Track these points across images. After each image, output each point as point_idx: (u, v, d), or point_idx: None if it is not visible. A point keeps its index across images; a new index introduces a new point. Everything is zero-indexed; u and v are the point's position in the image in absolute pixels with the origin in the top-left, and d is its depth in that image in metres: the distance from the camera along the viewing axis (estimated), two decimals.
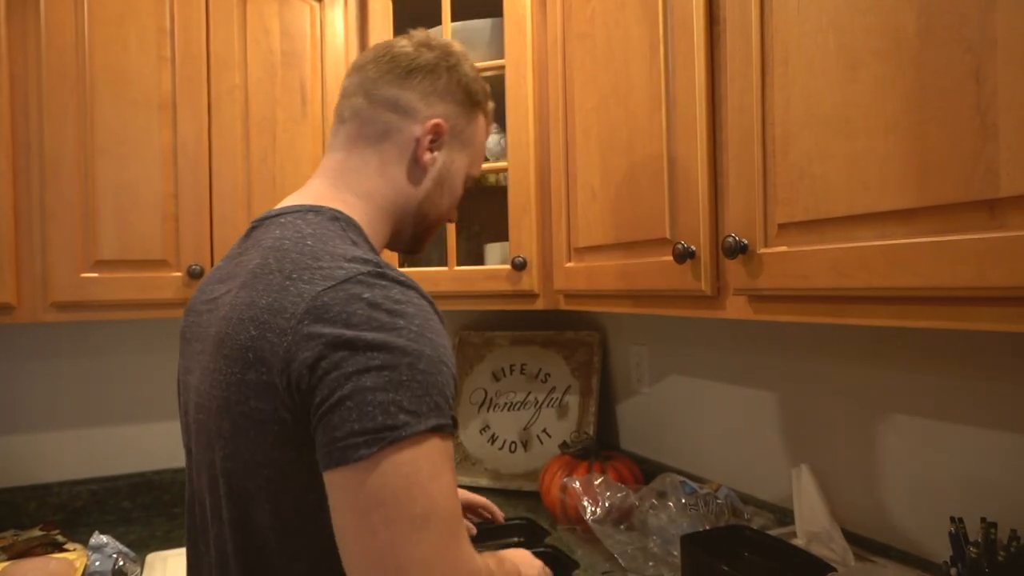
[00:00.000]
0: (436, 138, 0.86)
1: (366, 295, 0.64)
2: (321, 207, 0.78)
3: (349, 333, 0.62)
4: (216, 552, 0.74)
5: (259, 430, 0.66)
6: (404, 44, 0.87)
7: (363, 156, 0.84)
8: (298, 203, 0.80)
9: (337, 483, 0.61)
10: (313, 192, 0.82)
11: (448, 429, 0.64)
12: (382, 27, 1.63)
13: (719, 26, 1.02)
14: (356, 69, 0.88)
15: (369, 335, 0.62)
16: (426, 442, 0.61)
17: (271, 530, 0.69)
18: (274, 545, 0.69)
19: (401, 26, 1.67)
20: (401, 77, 0.85)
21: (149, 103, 1.47)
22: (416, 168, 0.86)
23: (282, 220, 0.76)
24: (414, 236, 0.91)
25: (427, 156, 0.85)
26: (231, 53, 1.53)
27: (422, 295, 0.69)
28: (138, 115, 1.45)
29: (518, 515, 1.59)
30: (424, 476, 0.60)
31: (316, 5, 1.62)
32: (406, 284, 0.68)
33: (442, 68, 0.86)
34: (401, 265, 1.64)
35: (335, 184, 0.83)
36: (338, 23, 1.64)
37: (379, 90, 0.85)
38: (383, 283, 0.66)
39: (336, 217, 0.77)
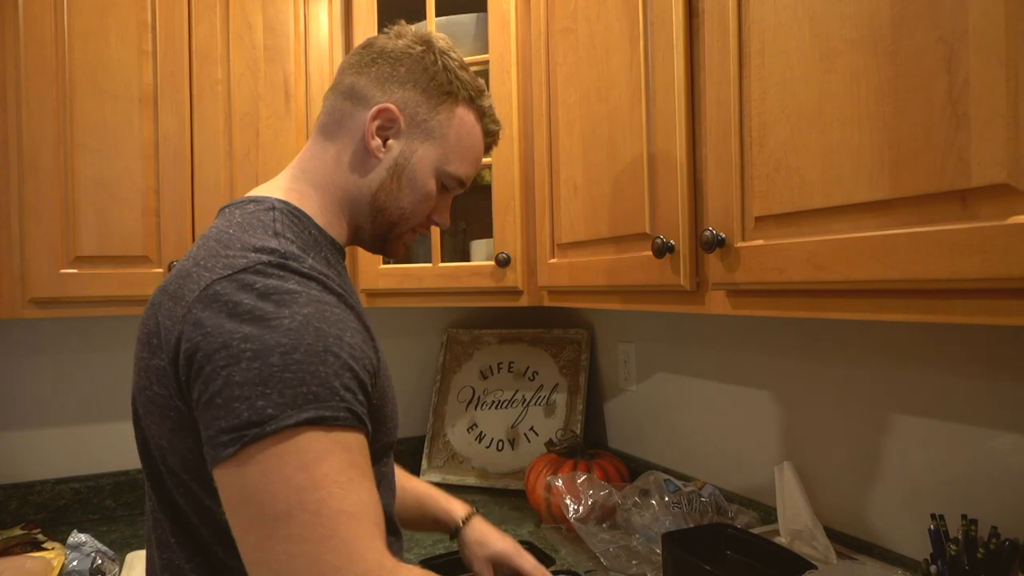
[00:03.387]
0: (387, 124, 0.82)
1: (258, 284, 0.63)
2: (265, 197, 0.77)
3: (228, 324, 0.60)
4: (157, 547, 0.73)
5: (161, 415, 0.66)
6: (383, 35, 0.87)
7: (322, 146, 0.84)
8: (250, 195, 0.80)
9: (217, 480, 0.60)
10: (272, 184, 0.83)
11: (332, 421, 0.60)
12: (367, 22, 1.62)
13: (698, 19, 1.01)
14: (358, 64, 0.87)
15: (247, 327, 0.60)
16: (297, 436, 0.58)
17: (193, 514, 0.69)
18: (203, 529, 0.69)
19: (385, 21, 1.66)
20: (364, 65, 0.84)
21: (130, 97, 1.45)
22: (366, 156, 0.82)
23: (226, 211, 0.77)
24: (374, 234, 0.87)
25: (373, 143, 0.81)
26: (213, 47, 1.52)
27: (327, 288, 0.67)
28: (119, 109, 1.44)
29: (513, 536, 1.58)
30: (289, 471, 0.57)
31: (300, 0, 1.61)
32: (307, 276, 0.66)
33: (407, 55, 0.83)
34: (385, 263, 1.63)
35: (294, 175, 0.84)
36: (322, 18, 1.62)
37: (342, 79, 0.85)
38: (280, 273, 0.65)
39: (273, 207, 0.75)
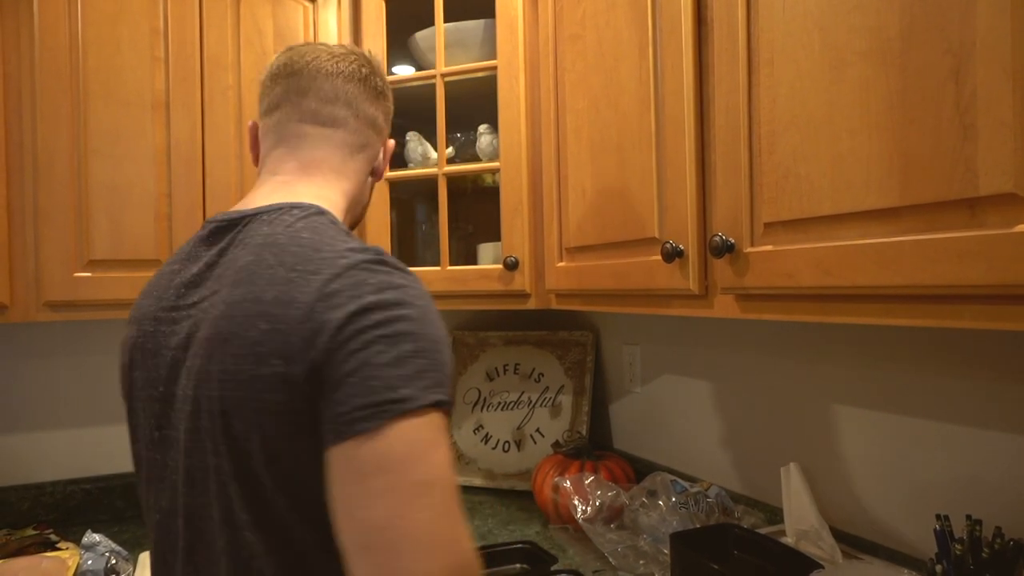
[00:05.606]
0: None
1: (371, 280, 0.67)
2: (301, 203, 0.78)
3: (347, 318, 0.64)
4: (232, 561, 0.70)
5: (275, 423, 0.67)
6: (360, 63, 0.91)
7: (346, 163, 0.89)
8: (279, 201, 0.79)
9: (341, 456, 0.63)
10: (292, 190, 0.83)
11: (447, 406, 0.66)
12: (376, 28, 1.63)
13: (707, 27, 1.02)
14: (328, 74, 0.88)
15: (377, 315, 0.65)
16: (430, 415, 0.63)
17: (298, 525, 0.69)
18: (308, 540, 0.69)
19: (394, 27, 1.68)
20: (375, 99, 0.92)
21: (142, 103, 1.47)
22: (372, 178, 0.96)
23: (265, 217, 0.76)
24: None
25: (386, 171, 0.97)
26: (224, 54, 1.54)
27: (419, 282, 0.72)
28: (131, 115, 1.46)
29: (520, 536, 1.60)
30: (426, 446, 0.62)
31: (309, 6, 1.63)
32: (405, 271, 0.71)
33: (390, 95, 0.97)
34: None
35: (318, 181, 0.85)
36: (331, 24, 1.64)
37: (363, 108, 0.91)
38: (385, 269, 0.69)
39: (321, 212, 0.78)
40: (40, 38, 1.39)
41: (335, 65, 0.88)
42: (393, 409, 0.62)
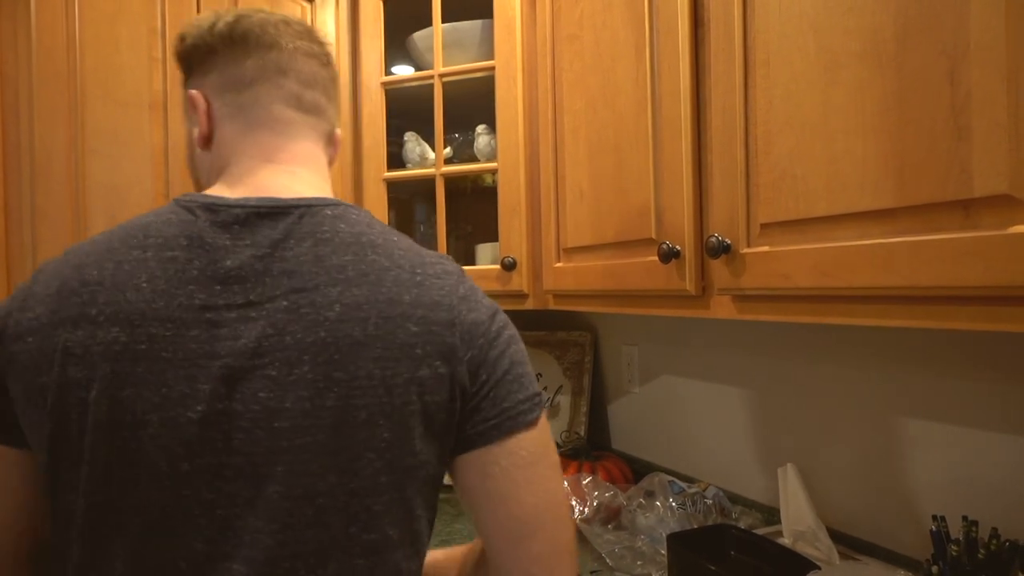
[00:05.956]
0: None
1: (470, 283, 0.73)
2: (339, 200, 0.74)
3: (489, 319, 0.70)
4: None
5: (428, 431, 0.66)
6: (325, 46, 0.81)
7: (323, 157, 0.80)
8: (317, 194, 0.72)
9: (505, 449, 0.67)
10: (319, 186, 0.76)
11: None
12: (373, 29, 1.63)
13: (704, 28, 1.02)
14: (306, 55, 0.77)
15: (501, 316, 0.72)
16: None
17: (426, 530, 0.71)
18: (425, 541, 0.71)
19: (392, 27, 1.68)
20: (336, 86, 0.83)
21: (140, 103, 1.47)
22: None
23: (329, 212, 0.70)
24: None
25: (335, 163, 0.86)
26: None
27: None
28: (129, 115, 1.46)
29: None
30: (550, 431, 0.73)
31: (307, 6, 1.63)
32: None
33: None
34: None
35: (320, 174, 0.78)
36: (329, 24, 1.64)
37: (333, 96, 0.82)
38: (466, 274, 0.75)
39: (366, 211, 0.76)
40: (37, 38, 1.39)
41: (308, 46, 0.78)
42: (540, 401, 0.70)
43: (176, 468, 0.61)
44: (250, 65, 0.74)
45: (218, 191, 0.71)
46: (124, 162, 1.45)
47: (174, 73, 1.49)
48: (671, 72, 1.07)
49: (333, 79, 0.81)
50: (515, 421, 0.67)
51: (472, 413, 0.67)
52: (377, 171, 1.64)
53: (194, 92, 0.75)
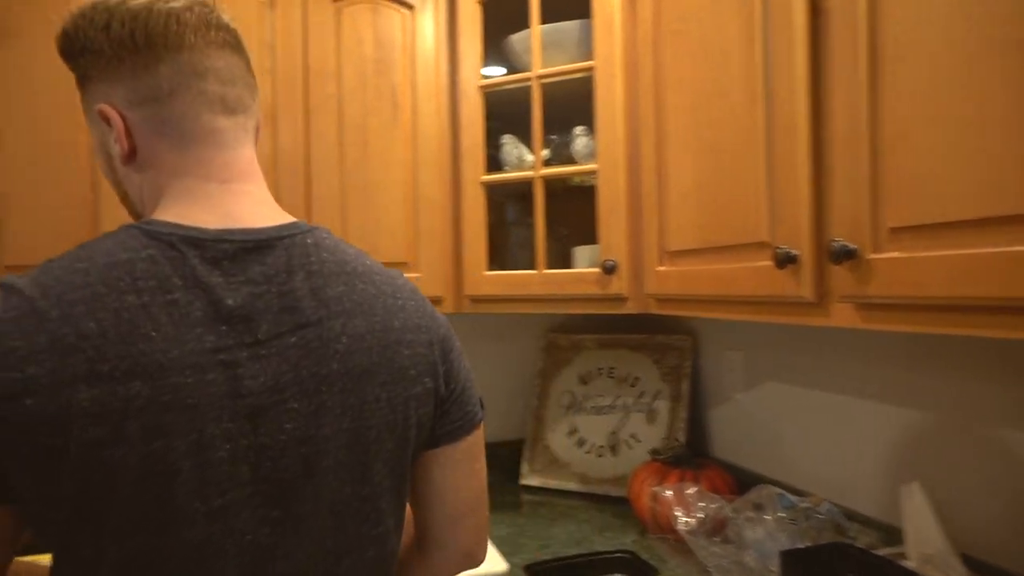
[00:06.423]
0: None
1: (423, 296, 0.80)
2: (302, 223, 0.73)
3: (449, 332, 0.80)
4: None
5: (417, 438, 0.75)
6: (226, 22, 0.72)
7: (255, 151, 0.76)
8: (284, 221, 0.71)
9: (461, 447, 0.79)
10: (272, 204, 0.74)
11: None
12: (472, 32, 1.64)
13: (822, 17, 0.96)
14: (218, 46, 0.70)
15: (450, 328, 0.81)
16: None
17: (395, 525, 0.78)
18: (394, 538, 0.78)
19: (490, 30, 1.68)
20: (250, 72, 0.75)
21: None
22: None
23: (310, 240, 0.71)
24: None
25: None
26: (327, 63, 1.58)
27: None
28: None
29: (617, 544, 1.57)
30: None
31: (407, 13, 1.65)
32: None
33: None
34: (489, 270, 1.65)
35: (265, 188, 0.75)
36: (428, 30, 1.66)
37: (252, 84, 0.75)
38: None
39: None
40: None
41: (216, 35, 0.70)
42: (481, 404, 0.83)
43: (209, 505, 0.62)
44: (164, 72, 0.68)
45: (178, 218, 0.66)
46: None
47: (282, 84, 1.54)
48: (785, 66, 1.01)
49: (248, 64, 0.74)
50: (471, 423, 0.80)
51: (441, 416, 0.77)
52: (475, 174, 1.65)
53: (106, 108, 0.68)
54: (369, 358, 0.69)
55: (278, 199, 1.51)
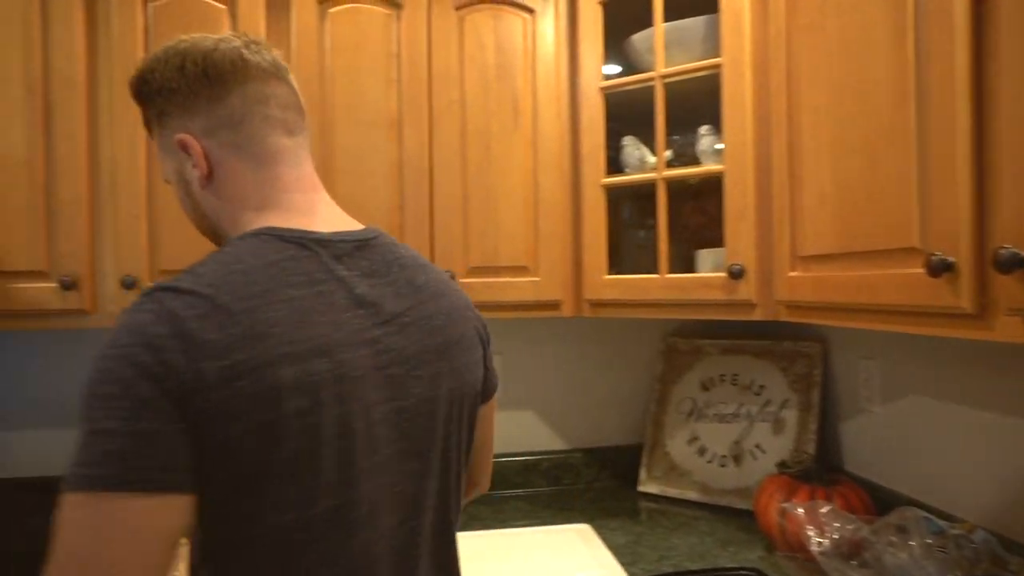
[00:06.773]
0: None
1: None
2: (373, 227, 0.87)
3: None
4: (453, 531, 0.88)
5: (480, 395, 0.90)
6: (277, 57, 0.84)
7: None
8: (360, 226, 0.84)
9: (492, 403, 0.97)
10: (340, 210, 0.86)
11: None
12: (592, 36, 1.62)
13: (987, 3, 0.88)
14: (275, 77, 0.82)
15: None
16: None
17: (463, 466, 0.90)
18: (462, 480, 0.90)
19: (611, 31, 1.66)
20: (298, 97, 0.88)
21: (379, 123, 1.59)
22: None
23: (386, 240, 0.85)
24: None
25: None
26: (450, 69, 1.61)
27: None
28: (370, 135, 1.58)
29: (742, 560, 1.51)
30: None
31: (528, 17, 1.66)
32: None
33: None
34: (610, 274, 1.62)
35: (330, 200, 0.87)
36: (549, 33, 1.66)
37: (302, 110, 0.87)
38: None
39: None
40: (295, 70, 1.54)
41: (270, 66, 0.82)
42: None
43: (372, 462, 0.73)
44: (234, 102, 0.79)
45: (286, 223, 0.77)
46: (365, 177, 1.58)
47: (407, 92, 1.59)
48: (942, 58, 0.93)
49: (296, 93, 0.85)
50: (495, 385, 0.97)
51: (485, 380, 0.92)
52: (596, 176, 1.63)
53: (185, 137, 0.79)
54: (456, 330, 0.85)
55: (403, 205, 1.56)
